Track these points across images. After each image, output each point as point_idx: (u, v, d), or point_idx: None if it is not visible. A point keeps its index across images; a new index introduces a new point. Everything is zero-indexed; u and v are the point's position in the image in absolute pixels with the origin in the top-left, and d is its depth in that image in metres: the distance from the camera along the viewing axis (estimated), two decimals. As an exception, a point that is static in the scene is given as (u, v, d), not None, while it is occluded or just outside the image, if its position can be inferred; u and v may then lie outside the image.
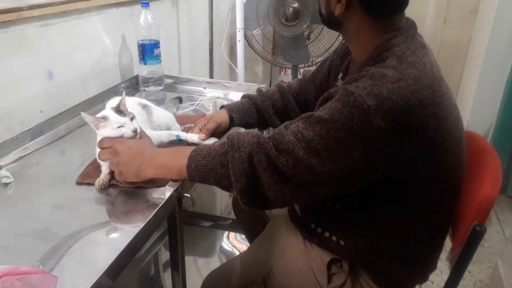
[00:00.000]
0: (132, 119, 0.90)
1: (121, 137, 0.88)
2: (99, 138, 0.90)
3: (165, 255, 1.76)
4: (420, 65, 0.76)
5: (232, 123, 1.13)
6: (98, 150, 0.89)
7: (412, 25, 0.85)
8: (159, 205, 0.80)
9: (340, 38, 1.99)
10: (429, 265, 0.96)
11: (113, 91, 1.36)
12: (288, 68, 2.42)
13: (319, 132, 0.74)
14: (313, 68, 1.23)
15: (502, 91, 2.25)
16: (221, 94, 1.47)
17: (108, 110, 0.90)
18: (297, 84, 1.22)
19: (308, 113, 0.79)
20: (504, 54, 2.16)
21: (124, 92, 0.96)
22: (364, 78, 0.75)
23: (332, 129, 0.73)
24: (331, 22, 0.88)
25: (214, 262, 1.79)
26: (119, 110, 0.89)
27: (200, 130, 1.05)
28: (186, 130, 1.11)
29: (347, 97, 0.72)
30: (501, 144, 2.27)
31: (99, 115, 0.89)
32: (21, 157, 1.00)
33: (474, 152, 0.95)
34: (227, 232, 1.96)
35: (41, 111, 1.16)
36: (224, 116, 1.11)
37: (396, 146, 0.73)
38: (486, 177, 0.88)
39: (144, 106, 1.08)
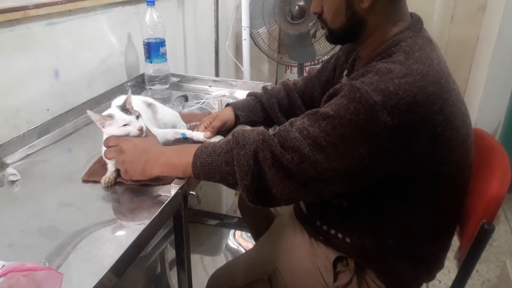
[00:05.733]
0: (138, 117, 0.90)
1: (127, 135, 0.88)
2: (105, 137, 0.90)
3: (171, 253, 1.77)
4: (427, 61, 0.75)
5: (237, 121, 1.13)
6: (104, 148, 0.89)
7: (418, 20, 0.85)
8: (164, 202, 0.80)
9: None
10: (436, 264, 0.95)
11: (119, 90, 1.37)
12: (294, 66, 2.42)
13: (325, 128, 0.73)
14: (319, 66, 1.22)
15: (510, 89, 2.23)
16: (226, 92, 1.47)
17: (114, 108, 0.90)
18: (303, 82, 1.22)
19: (313, 109, 0.78)
20: (512, 52, 2.14)
21: (130, 90, 0.96)
22: (371, 73, 0.74)
23: (338, 126, 0.72)
24: (351, 26, 0.85)
25: (220, 260, 1.80)
26: (125, 109, 0.90)
27: (206, 128, 1.05)
28: (192, 128, 1.11)
29: (353, 93, 0.72)
30: (510, 142, 2.24)
31: (105, 113, 0.89)
32: (27, 155, 1.01)
33: (482, 150, 0.94)
34: (233, 230, 1.97)
35: (48, 110, 1.17)
36: (229, 114, 1.11)
37: (403, 142, 0.72)
38: (494, 175, 0.87)
39: (150, 105, 1.08)
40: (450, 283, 0.93)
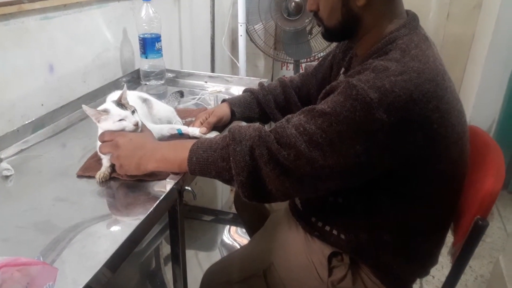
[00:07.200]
0: (133, 112, 0.89)
1: (122, 130, 0.88)
2: (100, 131, 0.89)
3: (166, 249, 1.77)
4: (423, 58, 0.75)
5: (233, 117, 1.12)
6: (99, 143, 0.89)
7: (414, 17, 0.85)
8: (160, 198, 0.80)
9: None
10: (431, 259, 0.95)
11: (114, 85, 1.36)
12: (290, 63, 2.41)
13: (321, 125, 0.73)
14: (315, 63, 1.22)
15: (505, 86, 2.24)
16: (222, 88, 1.47)
17: (109, 103, 0.90)
18: (299, 79, 1.22)
19: (310, 106, 0.78)
20: (507, 50, 2.15)
21: (125, 85, 0.96)
22: (367, 71, 0.74)
23: (334, 123, 0.72)
24: (347, 24, 0.85)
25: (215, 256, 1.80)
26: (121, 104, 0.89)
27: (201, 123, 1.05)
28: (187, 124, 1.10)
29: (350, 90, 0.72)
30: (504, 140, 2.25)
31: (100, 108, 0.89)
32: (22, 150, 1.00)
33: (477, 147, 0.94)
34: (228, 226, 1.97)
35: (42, 104, 1.16)
36: (225, 110, 1.11)
37: (399, 139, 0.72)
38: (489, 171, 0.87)
39: (145, 100, 1.07)
40: (443, 279, 0.93)
